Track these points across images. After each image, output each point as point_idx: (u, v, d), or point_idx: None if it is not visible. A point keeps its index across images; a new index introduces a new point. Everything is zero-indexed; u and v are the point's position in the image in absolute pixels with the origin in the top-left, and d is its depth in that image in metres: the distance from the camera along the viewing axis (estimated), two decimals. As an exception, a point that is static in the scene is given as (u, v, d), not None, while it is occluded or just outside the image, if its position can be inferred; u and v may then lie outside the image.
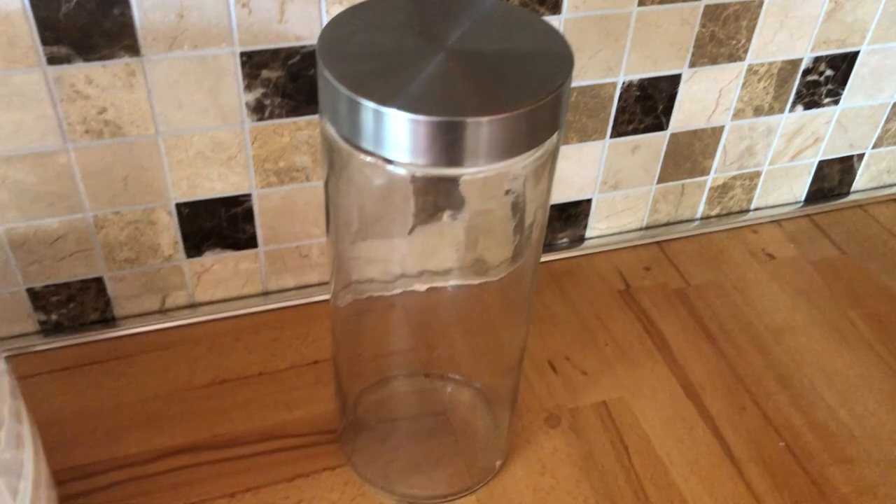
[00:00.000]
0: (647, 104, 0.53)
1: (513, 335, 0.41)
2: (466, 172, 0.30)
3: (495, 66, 0.30)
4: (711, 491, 0.44)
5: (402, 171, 0.30)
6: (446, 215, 0.36)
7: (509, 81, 0.30)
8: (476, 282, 0.40)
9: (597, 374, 0.50)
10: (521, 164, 0.31)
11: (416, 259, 0.38)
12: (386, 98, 0.28)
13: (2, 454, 0.30)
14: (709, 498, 0.44)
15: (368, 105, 0.28)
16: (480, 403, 0.46)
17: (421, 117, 0.28)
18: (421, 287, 0.40)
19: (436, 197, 0.33)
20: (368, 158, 0.30)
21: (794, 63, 0.55)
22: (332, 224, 0.36)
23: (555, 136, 0.31)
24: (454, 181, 0.32)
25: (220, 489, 0.42)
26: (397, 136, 0.29)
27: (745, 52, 0.53)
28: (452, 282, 0.40)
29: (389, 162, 0.30)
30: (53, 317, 0.49)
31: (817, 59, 0.56)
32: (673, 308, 0.55)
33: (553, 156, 0.33)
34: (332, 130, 0.31)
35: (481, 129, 0.28)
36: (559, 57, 0.31)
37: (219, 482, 0.43)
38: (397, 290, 0.40)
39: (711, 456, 0.46)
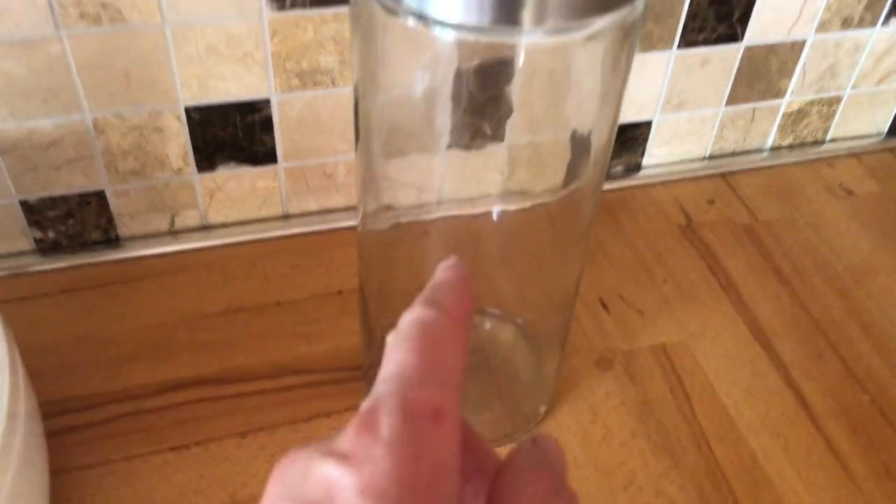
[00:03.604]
0: (723, 9, 0.47)
1: (566, 269, 0.36)
2: (525, 37, 0.24)
3: None
4: (785, 448, 0.39)
5: (448, 37, 0.24)
6: (494, 121, 0.31)
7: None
8: (526, 206, 0.35)
9: (654, 314, 0.45)
10: (592, 32, 0.25)
11: (455, 178, 0.34)
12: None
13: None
14: (783, 455, 0.39)
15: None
16: (523, 342, 0.41)
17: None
18: (461, 212, 0.35)
19: (485, 84, 0.27)
20: (410, 22, 0.24)
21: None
22: (361, 130, 0.31)
23: (639, 2, 0.25)
24: (509, 63, 0.26)
25: (229, 428, 0.38)
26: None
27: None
28: (497, 206, 0.35)
29: (433, 24, 0.24)
30: (51, 234, 0.45)
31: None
32: (740, 245, 0.49)
33: (631, 36, 0.27)
34: (364, -10, 0.25)
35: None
36: None
37: (229, 420, 0.39)
38: (434, 215, 0.36)
39: (785, 408, 0.41)
